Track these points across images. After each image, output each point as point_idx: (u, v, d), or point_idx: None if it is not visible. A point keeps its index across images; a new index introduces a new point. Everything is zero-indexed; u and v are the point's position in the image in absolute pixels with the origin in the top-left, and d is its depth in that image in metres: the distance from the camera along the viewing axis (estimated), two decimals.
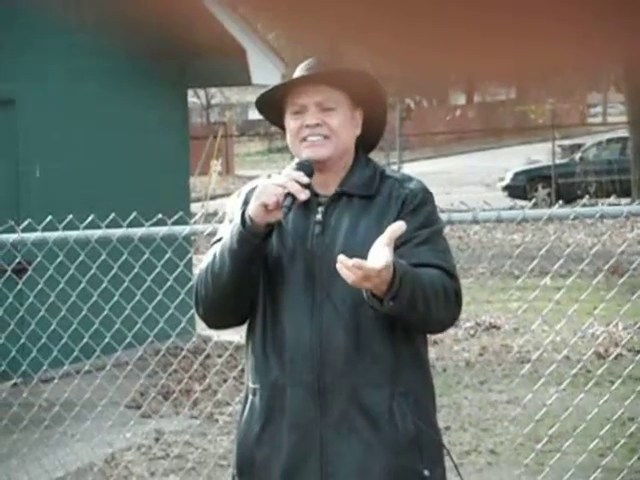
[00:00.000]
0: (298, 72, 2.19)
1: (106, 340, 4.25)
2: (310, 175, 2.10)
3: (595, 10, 0.65)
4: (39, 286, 4.28)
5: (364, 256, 1.97)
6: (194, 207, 9.94)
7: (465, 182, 22.05)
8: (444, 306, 2.07)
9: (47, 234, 3.85)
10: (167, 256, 4.02)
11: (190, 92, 10.50)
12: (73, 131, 6.96)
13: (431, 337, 2.38)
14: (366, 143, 2.23)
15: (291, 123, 2.14)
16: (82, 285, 4.14)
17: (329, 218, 2.14)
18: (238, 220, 2.08)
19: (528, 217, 3.46)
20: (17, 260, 4.63)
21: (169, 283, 4.13)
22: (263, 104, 2.20)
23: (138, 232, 3.72)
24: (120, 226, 3.79)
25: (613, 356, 5.41)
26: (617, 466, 4.04)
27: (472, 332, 7.54)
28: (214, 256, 2.12)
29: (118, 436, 5.02)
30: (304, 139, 2.13)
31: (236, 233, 2.07)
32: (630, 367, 4.31)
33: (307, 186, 2.07)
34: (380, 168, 2.22)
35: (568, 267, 6.75)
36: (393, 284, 1.96)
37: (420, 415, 2.10)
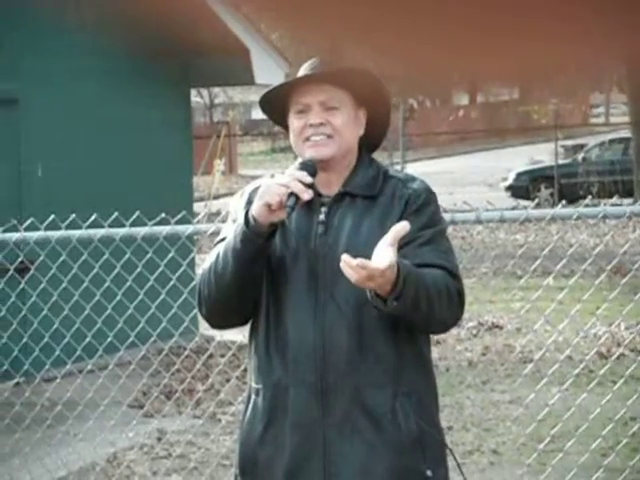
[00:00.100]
0: (302, 71, 2.19)
1: (109, 339, 4.25)
2: (313, 175, 2.10)
3: (596, 9, 0.65)
4: (42, 285, 4.28)
5: (367, 256, 1.97)
6: (197, 207, 9.95)
7: (468, 182, 22.04)
8: (447, 306, 2.07)
9: (50, 233, 3.85)
10: (170, 255, 4.02)
11: (193, 92, 10.51)
12: (76, 130, 6.97)
13: (434, 337, 2.39)
14: (369, 143, 2.22)
15: (294, 122, 2.14)
16: (85, 284, 4.14)
17: (332, 218, 2.14)
18: (241, 220, 2.08)
19: (531, 217, 3.46)
20: (20, 259, 4.64)
21: (172, 282, 4.13)
22: (267, 103, 2.20)
23: (141, 231, 3.73)
24: (123, 225, 3.79)
25: (615, 356, 5.41)
26: (619, 466, 4.03)
27: (475, 332, 7.54)
28: (217, 256, 2.12)
29: (120, 435, 5.02)
30: (307, 138, 2.13)
31: (239, 233, 2.07)
32: (632, 367, 4.31)
33: (310, 186, 2.07)
34: (383, 168, 2.22)
35: (571, 267, 6.74)
36: (397, 284, 1.96)
37: (423, 415, 2.10)
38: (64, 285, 4.17)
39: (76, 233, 3.80)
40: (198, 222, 3.99)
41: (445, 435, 2.20)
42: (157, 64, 7.33)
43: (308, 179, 2.07)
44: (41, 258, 4.24)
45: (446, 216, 3.00)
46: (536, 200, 5.24)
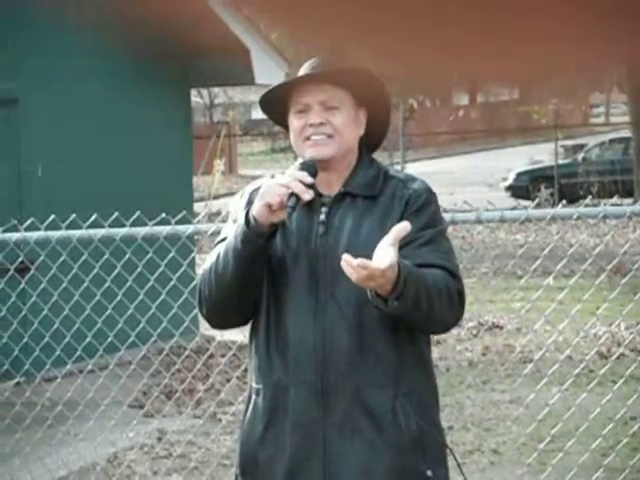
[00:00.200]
0: (302, 71, 2.19)
1: (109, 339, 4.25)
2: (314, 175, 2.10)
3: (598, 13, 0.65)
4: (42, 285, 4.28)
5: (368, 256, 1.97)
6: (197, 207, 9.95)
7: (468, 182, 22.04)
8: (447, 306, 2.07)
9: (50, 233, 3.85)
10: (170, 255, 4.03)
11: (193, 91, 10.51)
12: (76, 130, 6.97)
13: (434, 337, 2.39)
14: (370, 143, 2.23)
15: (295, 122, 2.15)
16: (85, 284, 4.15)
17: (333, 218, 2.14)
18: (242, 220, 2.08)
19: (531, 217, 3.46)
20: (20, 259, 4.64)
21: (172, 283, 4.13)
22: (267, 103, 2.20)
23: (141, 231, 3.73)
24: (123, 225, 3.80)
25: (615, 356, 5.41)
26: (619, 466, 4.04)
27: (475, 332, 7.54)
28: (218, 256, 2.12)
29: (121, 435, 5.02)
30: (308, 138, 2.13)
31: (240, 233, 2.07)
32: (632, 367, 4.31)
33: (311, 186, 2.07)
34: (384, 168, 2.22)
35: (571, 267, 6.75)
36: (398, 284, 1.96)
37: (423, 415, 2.10)
38: (64, 285, 4.17)
39: (76, 233, 3.81)
40: (198, 222, 4.00)
41: (445, 435, 2.21)
42: (157, 64, 7.33)
43: (309, 179, 2.07)
44: (41, 258, 4.24)
45: (446, 216, 3.00)
46: (536, 200, 5.25)
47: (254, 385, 2.16)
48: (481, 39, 0.67)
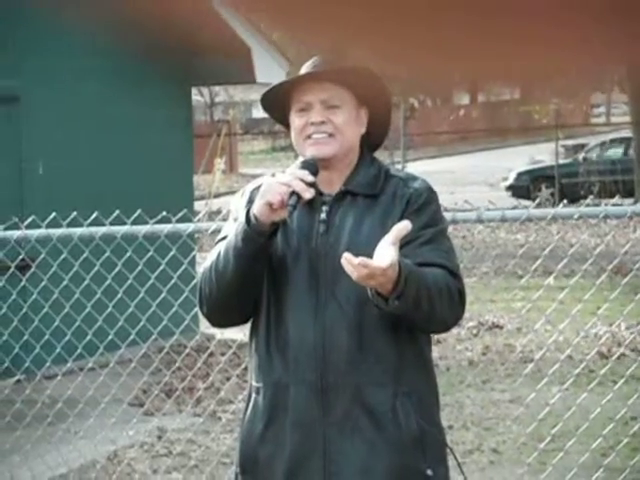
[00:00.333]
0: (304, 70, 2.19)
1: (109, 337, 4.26)
2: (315, 174, 2.10)
3: (595, 15, 0.65)
4: (43, 283, 4.28)
5: (369, 255, 1.97)
6: (197, 205, 9.94)
7: (468, 182, 22.04)
8: (448, 305, 2.07)
9: (51, 231, 3.85)
10: (171, 254, 4.03)
11: (194, 90, 10.51)
12: (77, 129, 6.97)
13: (434, 336, 2.39)
14: (371, 142, 2.22)
15: (296, 121, 2.15)
16: (86, 282, 4.15)
17: (333, 217, 2.14)
18: (243, 219, 2.08)
19: (532, 217, 3.46)
20: (21, 257, 4.64)
21: (173, 281, 4.13)
22: (268, 102, 2.20)
23: (142, 229, 3.73)
24: (124, 223, 3.80)
25: (616, 356, 5.41)
26: (619, 465, 4.04)
27: (475, 331, 7.54)
28: (218, 254, 2.12)
29: (121, 433, 5.03)
30: (309, 137, 2.13)
31: (241, 232, 2.07)
32: (633, 367, 4.31)
33: (312, 185, 2.07)
34: (385, 167, 2.22)
35: (571, 267, 6.75)
36: (398, 283, 1.96)
37: (423, 414, 2.10)
38: (65, 283, 4.17)
39: (77, 231, 3.81)
40: (199, 221, 4.00)
41: (445, 434, 2.21)
42: (158, 63, 7.33)
43: (309, 178, 2.07)
44: (42, 256, 4.24)
45: (447, 215, 3.00)
46: (537, 200, 5.24)
47: (254, 384, 2.16)
48: (482, 42, 0.67)
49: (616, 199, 4.03)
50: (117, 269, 4.12)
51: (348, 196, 2.16)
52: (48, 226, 3.90)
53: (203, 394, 5.25)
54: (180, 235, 3.79)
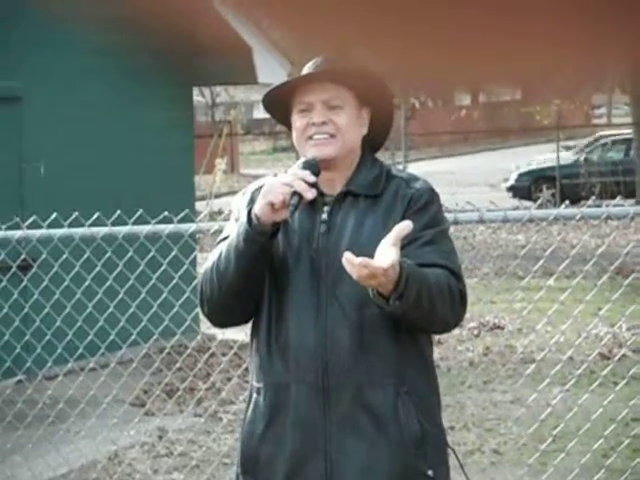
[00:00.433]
0: (305, 70, 2.19)
1: (111, 338, 4.26)
2: (317, 174, 2.10)
3: (598, 15, 0.65)
4: (44, 283, 4.28)
5: (370, 255, 1.97)
6: (198, 205, 9.95)
7: (470, 182, 22.04)
8: (449, 306, 2.07)
9: (52, 231, 3.85)
10: (172, 254, 4.03)
11: (195, 90, 10.51)
12: (79, 129, 6.97)
13: (435, 337, 2.38)
14: (373, 143, 2.22)
15: (297, 121, 2.14)
16: (87, 282, 4.15)
17: (335, 217, 2.14)
18: (244, 219, 2.08)
19: (534, 217, 3.46)
20: (22, 257, 4.64)
21: (174, 281, 4.13)
22: (270, 102, 2.20)
23: (144, 230, 3.73)
24: (125, 223, 3.80)
25: (617, 357, 5.40)
26: (621, 467, 4.04)
27: (476, 332, 7.54)
28: (220, 255, 2.12)
29: (122, 434, 5.03)
30: (310, 137, 2.13)
31: (242, 232, 2.07)
32: (634, 368, 4.31)
33: (314, 185, 2.07)
34: (386, 167, 2.22)
35: (573, 268, 6.74)
36: (399, 283, 1.96)
37: (425, 415, 2.10)
38: (66, 283, 4.17)
39: (78, 231, 3.81)
40: (200, 221, 4.00)
41: (447, 435, 2.20)
42: (159, 63, 7.33)
43: (311, 178, 2.07)
44: (43, 256, 4.24)
45: (449, 216, 3.00)
46: (539, 200, 5.24)
47: (255, 384, 2.16)
48: (483, 41, 0.67)
49: (617, 200, 4.03)
50: (118, 269, 4.12)
51: (349, 197, 2.16)
52: (49, 226, 3.90)
53: (204, 394, 5.25)
54: (181, 235, 3.78)
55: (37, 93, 6.71)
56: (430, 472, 2.09)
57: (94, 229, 3.79)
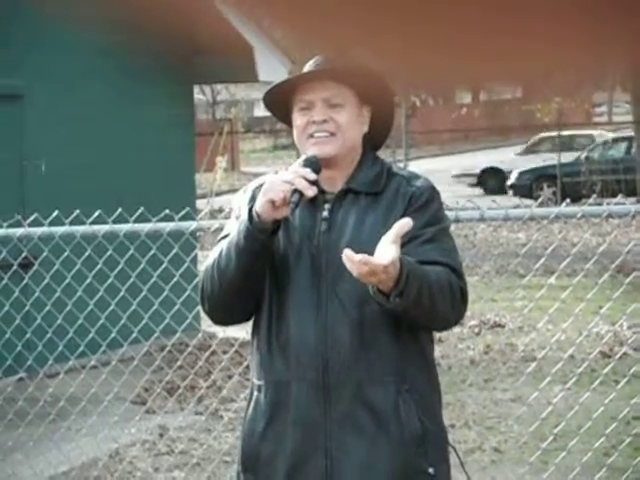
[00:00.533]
0: (306, 69, 2.19)
1: (112, 335, 4.26)
2: (317, 171, 2.10)
3: (598, 13, 0.65)
4: (45, 281, 4.29)
5: (371, 252, 1.97)
6: (199, 203, 9.95)
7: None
8: (450, 304, 2.07)
9: (54, 229, 3.85)
10: (174, 252, 4.03)
11: (196, 88, 10.51)
12: (80, 127, 6.97)
13: (436, 335, 2.38)
14: (374, 141, 2.22)
15: (298, 119, 2.14)
16: (88, 280, 4.15)
17: (335, 215, 2.14)
18: (245, 216, 2.08)
19: (536, 215, 3.46)
20: (23, 254, 4.64)
21: (175, 279, 4.13)
22: (270, 100, 2.20)
23: (145, 227, 3.73)
24: (127, 221, 3.80)
25: (618, 355, 5.40)
26: (622, 465, 4.03)
27: (477, 330, 7.54)
28: (220, 252, 2.12)
29: (123, 431, 5.03)
30: (311, 135, 2.13)
31: (243, 229, 2.07)
32: (635, 366, 4.31)
33: (314, 182, 2.07)
34: (387, 165, 2.22)
35: (574, 266, 6.74)
36: (399, 280, 1.96)
37: (425, 412, 2.10)
38: (67, 281, 4.17)
39: (80, 229, 3.81)
40: (201, 219, 4.00)
41: (447, 433, 2.20)
42: (160, 61, 7.33)
43: (312, 176, 2.07)
44: (45, 254, 4.25)
45: (450, 214, 3.00)
46: (540, 199, 5.24)
47: (256, 381, 2.16)
48: (483, 41, 0.67)
49: (619, 198, 4.03)
50: (119, 267, 4.12)
51: (350, 194, 2.16)
52: (50, 224, 3.90)
53: (205, 392, 5.25)
54: (182, 233, 3.79)
55: (38, 91, 6.71)
56: (431, 470, 2.09)
57: (95, 227, 3.79)
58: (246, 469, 2.18)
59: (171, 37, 6.90)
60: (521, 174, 18.76)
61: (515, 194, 18.31)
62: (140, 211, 3.85)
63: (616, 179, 17.01)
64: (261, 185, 2.12)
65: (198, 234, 5.43)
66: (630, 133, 18.44)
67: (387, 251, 1.95)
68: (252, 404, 2.16)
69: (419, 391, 2.11)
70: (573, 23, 0.66)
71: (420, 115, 25.47)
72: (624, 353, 5.89)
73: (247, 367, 3.35)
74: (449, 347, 6.99)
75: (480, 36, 0.67)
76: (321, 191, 2.13)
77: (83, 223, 3.83)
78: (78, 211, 3.93)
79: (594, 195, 4.40)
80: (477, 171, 20.71)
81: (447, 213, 2.38)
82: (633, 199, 14.43)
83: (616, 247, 8.60)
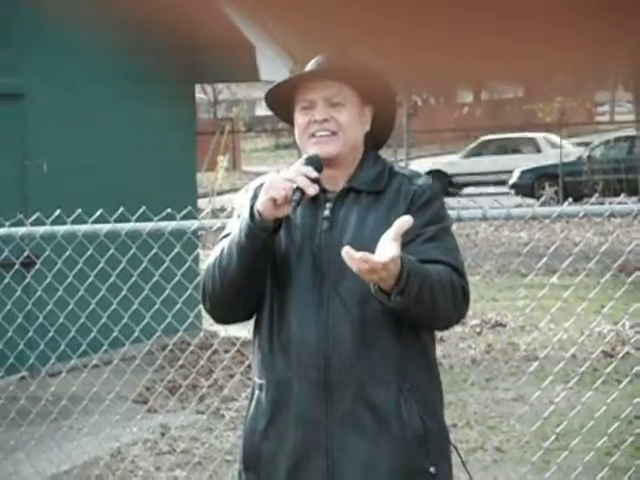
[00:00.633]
0: (307, 68, 2.19)
1: (114, 334, 4.26)
2: (319, 170, 2.09)
3: (599, 13, 0.65)
4: (47, 280, 4.29)
5: (372, 251, 1.96)
6: (201, 203, 9.95)
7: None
8: (451, 302, 2.07)
9: (56, 228, 3.85)
10: (175, 251, 4.03)
11: (197, 88, 10.50)
12: (81, 126, 6.98)
13: (437, 335, 2.38)
14: (376, 140, 2.22)
15: (299, 118, 2.14)
16: (90, 279, 4.15)
17: (337, 214, 2.14)
18: (246, 214, 2.08)
19: (538, 215, 3.46)
20: (25, 254, 4.64)
21: (177, 278, 4.13)
22: (272, 99, 2.20)
23: (147, 227, 3.73)
24: (128, 220, 3.80)
25: (620, 355, 5.40)
26: (624, 464, 4.03)
27: (478, 330, 7.54)
28: (222, 251, 2.12)
29: (125, 430, 5.03)
30: (312, 135, 2.13)
31: (244, 227, 2.07)
32: (637, 366, 4.30)
33: (316, 181, 2.07)
34: (389, 164, 2.22)
35: (575, 266, 6.74)
36: (401, 278, 1.96)
37: (427, 412, 2.10)
38: (69, 280, 4.17)
39: (82, 228, 3.81)
40: (202, 218, 4.00)
41: (449, 432, 2.20)
42: (162, 60, 7.33)
43: (314, 174, 2.07)
44: (47, 253, 4.25)
45: (452, 213, 3.00)
46: (542, 198, 5.24)
47: (257, 380, 2.16)
48: (485, 40, 0.67)
49: (621, 197, 4.02)
50: (121, 266, 4.12)
51: (352, 193, 2.16)
52: (53, 223, 3.90)
53: (207, 391, 5.25)
54: (184, 232, 3.79)
55: (40, 90, 6.71)
56: (432, 469, 2.09)
57: (97, 226, 3.79)
58: (247, 468, 2.18)
59: (173, 36, 6.89)
60: (523, 173, 18.76)
61: (517, 193, 18.31)
62: (142, 210, 3.85)
63: (618, 178, 17.01)
64: (263, 184, 2.12)
65: (200, 233, 5.42)
66: (632, 132, 18.42)
67: (387, 248, 1.95)
68: (253, 403, 2.16)
69: (421, 390, 2.10)
70: (574, 25, 0.66)
71: (421, 114, 25.45)
72: (626, 352, 5.89)
73: (249, 366, 3.35)
74: (451, 346, 6.99)
75: (481, 37, 0.67)
76: (323, 190, 2.13)
77: (85, 222, 3.84)
78: (80, 210, 3.93)
79: (596, 194, 4.40)
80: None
81: (449, 212, 2.38)
82: (635, 198, 14.42)
83: (618, 246, 8.59)
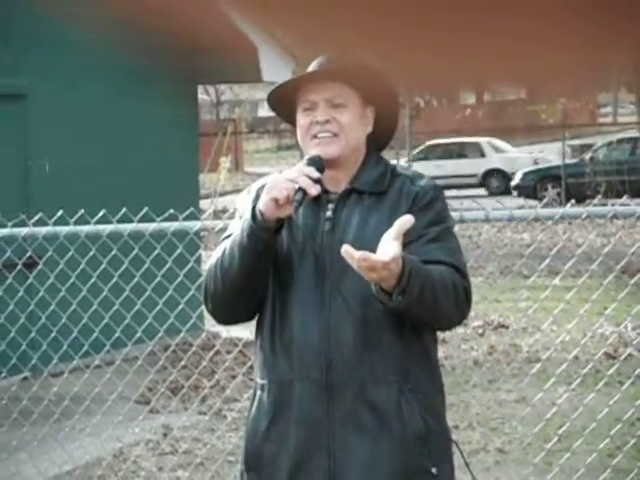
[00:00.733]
0: (310, 69, 2.20)
1: (116, 335, 4.26)
2: (321, 170, 2.10)
3: (601, 14, 0.65)
4: (50, 280, 4.29)
5: (374, 252, 1.96)
6: (203, 204, 9.96)
7: None
8: (453, 303, 2.07)
9: (58, 228, 3.86)
10: (178, 252, 4.03)
11: (199, 88, 10.51)
12: (84, 127, 6.98)
13: (439, 336, 2.38)
14: (378, 141, 2.22)
15: (301, 119, 2.15)
16: (92, 280, 4.15)
17: (339, 215, 2.14)
18: (248, 215, 2.08)
19: (540, 216, 3.46)
20: (28, 254, 4.65)
21: (179, 279, 4.13)
22: (274, 100, 2.20)
23: (149, 227, 3.73)
24: (131, 221, 3.80)
25: (623, 356, 5.40)
26: (626, 466, 4.03)
27: (481, 331, 7.53)
28: (224, 251, 2.13)
29: (127, 431, 5.03)
30: (314, 136, 2.13)
31: (246, 228, 2.07)
32: None
33: (318, 181, 2.07)
34: (391, 165, 2.22)
35: (578, 267, 6.73)
36: (402, 278, 1.96)
37: (429, 412, 2.10)
38: (72, 280, 4.18)
39: (84, 228, 3.81)
40: (205, 219, 4.00)
41: (451, 433, 2.20)
42: (164, 61, 7.33)
43: (316, 174, 2.07)
44: (49, 253, 4.25)
45: (455, 214, 3.00)
46: (545, 199, 5.24)
47: (259, 381, 2.16)
48: (487, 41, 0.67)
49: (624, 199, 4.02)
50: (124, 267, 4.12)
51: (354, 194, 2.16)
52: (55, 224, 3.90)
53: (209, 392, 5.25)
54: (186, 233, 3.79)
55: (42, 91, 6.71)
56: (434, 470, 2.09)
57: (100, 227, 3.79)
58: (249, 468, 2.18)
59: (174, 37, 6.89)
60: (525, 175, 18.76)
61: (519, 195, 18.31)
62: (144, 211, 3.85)
63: (621, 180, 17.00)
64: (265, 185, 2.12)
65: (202, 234, 5.43)
66: (635, 134, 18.40)
67: (388, 248, 1.95)
68: (255, 403, 2.16)
69: (422, 391, 2.10)
70: (575, 28, 0.66)
71: (424, 116, 25.44)
72: (629, 354, 5.88)
73: (251, 367, 3.35)
74: (453, 348, 6.99)
75: (483, 39, 0.67)
76: (325, 191, 2.13)
77: (87, 223, 3.84)
78: (82, 211, 3.93)
79: (599, 196, 4.39)
80: None
81: (452, 213, 2.38)
82: (638, 200, 14.39)
83: (621, 248, 8.58)
